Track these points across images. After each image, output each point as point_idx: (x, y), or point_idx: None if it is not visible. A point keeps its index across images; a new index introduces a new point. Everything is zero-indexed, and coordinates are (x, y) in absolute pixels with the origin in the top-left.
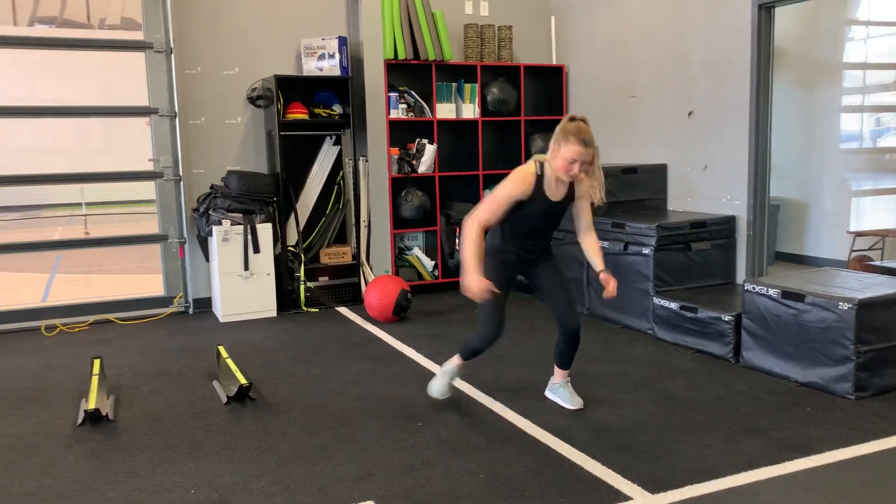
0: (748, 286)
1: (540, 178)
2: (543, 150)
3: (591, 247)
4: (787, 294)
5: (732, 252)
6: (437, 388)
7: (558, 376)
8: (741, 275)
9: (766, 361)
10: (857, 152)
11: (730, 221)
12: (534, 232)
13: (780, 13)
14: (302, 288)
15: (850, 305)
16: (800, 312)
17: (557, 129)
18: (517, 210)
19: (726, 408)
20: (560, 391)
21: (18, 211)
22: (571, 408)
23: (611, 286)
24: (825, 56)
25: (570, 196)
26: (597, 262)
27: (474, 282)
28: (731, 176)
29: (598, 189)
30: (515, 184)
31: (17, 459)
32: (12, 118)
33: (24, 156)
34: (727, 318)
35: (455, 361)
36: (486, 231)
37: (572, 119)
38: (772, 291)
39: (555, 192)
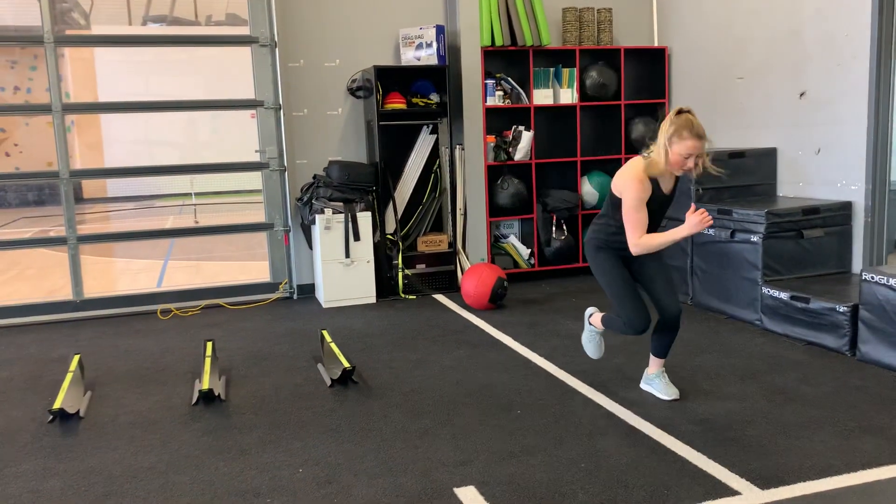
0: (866, 275)
1: (654, 177)
2: (644, 136)
3: None
4: None
5: (848, 240)
6: (590, 350)
7: (654, 366)
8: (857, 264)
9: (885, 355)
10: None
11: (845, 207)
12: (650, 223)
13: None
14: (400, 275)
15: None
16: None
17: (666, 125)
18: None
19: (841, 403)
20: (655, 381)
21: (134, 201)
22: (667, 398)
23: (698, 210)
24: None
25: (677, 184)
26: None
27: (688, 223)
28: (847, 159)
29: (699, 174)
30: (639, 188)
31: (139, 435)
32: (127, 113)
33: (138, 149)
34: (843, 308)
35: (595, 322)
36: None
37: (679, 112)
38: (893, 281)
39: (666, 186)
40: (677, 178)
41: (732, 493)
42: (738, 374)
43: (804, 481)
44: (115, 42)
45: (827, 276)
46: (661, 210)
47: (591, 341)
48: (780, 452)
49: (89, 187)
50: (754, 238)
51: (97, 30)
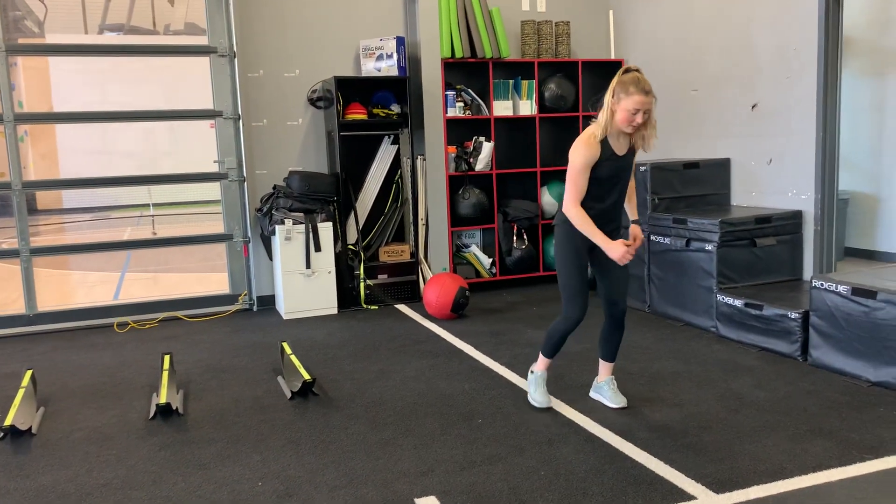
0: (816, 283)
1: (604, 140)
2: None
3: (630, 198)
4: (858, 291)
5: (799, 248)
6: (538, 399)
7: (603, 373)
8: (808, 271)
9: (835, 360)
10: None
11: (796, 216)
12: (607, 196)
13: (849, 1)
14: (362, 286)
15: None
16: (871, 310)
17: (614, 82)
18: (592, 176)
19: (794, 407)
20: (604, 389)
21: (90, 212)
22: (615, 406)
23: (637, 240)
24: None
25: (631, 148)
26: (632, 211)
27: (614, 245)
28: (797, 169)
29: (651, 137)
30: (585, 149)
31: (94, 451)
32: (83, 123)
33: (94, 159)
34: (794, 315)
35: (540, 366)
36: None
37: (627, 70)
38: (841, 288)
39: (619, 147)
40: (632, 147)
41: (688, 497)
42: (694, 381)
43: (757, 484)
44: (69, 51)
45: (779, 283)
46: (615, 177)
47: (536, 385)
48: (734, 456)
49: (43, 198)
50: (709, 247)
51: (51, 38)
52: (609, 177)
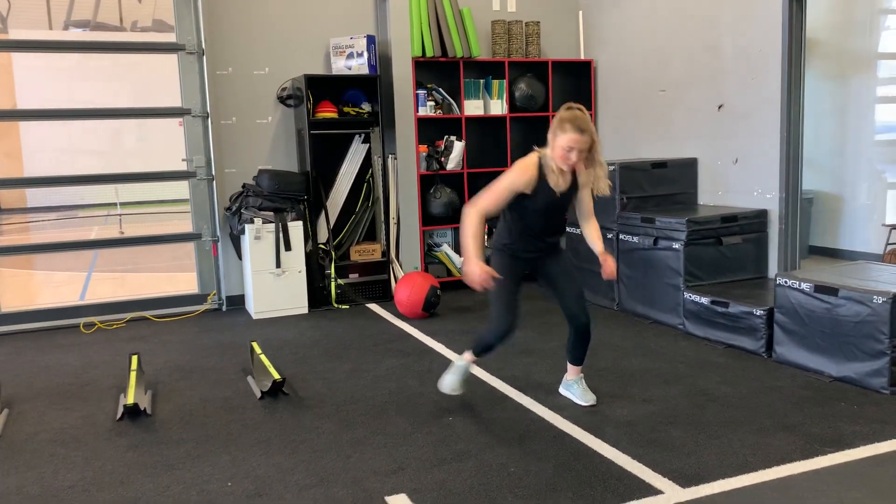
0: (780, 280)
1: (542, 170)
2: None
3: (593, 232)
4: (820, 288)
5: (764, 246)
6: (448, 384)
7: (572, 373)
8: (773, 269)
9: (798, 356)
10: (892, 144)
11: (761, 215)
12: (540, 226)
13: (812, 3)
14: (333, 285)
15: (885, 299)
16: (833, 306)
17: (554, 118)
18: (522, 203)
19: (758, 403)
20: (573, 387)
21: (55, 211)
22: (584, 404)
23: (609, 265)
24: (859, 46)
25: (574, 186)
26: (597, 245)
27: (475, 268)
28: (762, 169)
29: (601, 179)
30: (517, 175)
31: (60, 453)
32: (48, 121)
33: (60, 157)
34: (759, 312)
35: (467, 357)
36: (486, 219)
37: (569, 108)
38: (804, 285)
39: (558, 183)
40: (575, 182)
41: (655, 492)
42: (662, 377)
43: (723, 478)
44: (34, 47)
45: (745, 281)
46: (552, 210)
47: (454, 373)
48: (700, 452)
49: (7, 197)
50: (676, 245)
51: (15, 34)
52: (540, 209)
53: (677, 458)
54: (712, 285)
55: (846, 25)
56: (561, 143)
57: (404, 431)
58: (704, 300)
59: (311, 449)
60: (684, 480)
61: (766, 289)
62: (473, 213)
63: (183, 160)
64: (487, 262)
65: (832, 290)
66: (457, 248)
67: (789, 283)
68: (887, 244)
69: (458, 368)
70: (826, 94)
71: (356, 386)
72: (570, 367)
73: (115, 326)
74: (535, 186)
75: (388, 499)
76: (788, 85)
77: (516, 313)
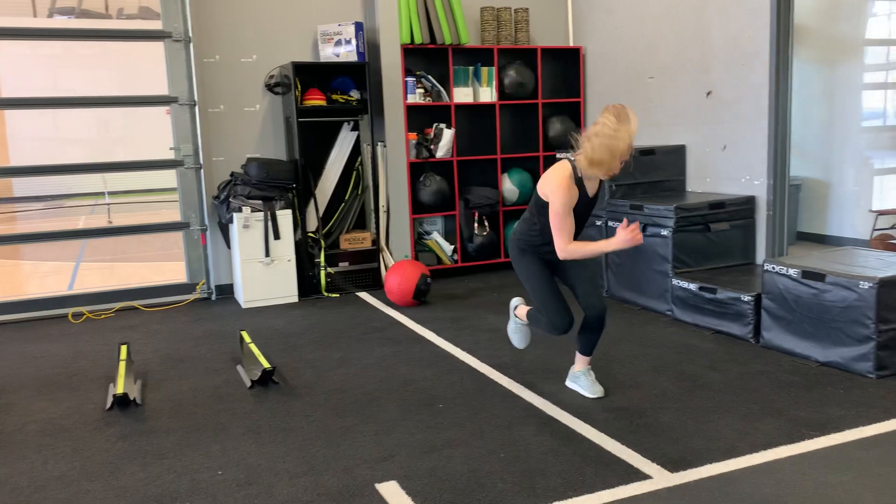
0: (768, 266)
1: (580, 180)
2: (562, 133)
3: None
4: (808, 273)
5: (752, 232)
6: (516, 342)
7: (579, 364)
8: (761, 255)
9: (786, 341)
10: (879, 130)
11: (749, 202)
12: (575, 230)
13: None
14: (322, 273)
15: (871, 284)
16: (820, 292)
17: (608, 131)
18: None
19: (746, 388)
20: (581, 379)
21: (43, 201)
22: (592, 396)
23: (626, 224)
24: (846, 33)
25: (601, 186)
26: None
27: (618, 239)
28: (750, 156)
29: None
30: (566, 193)
31: (49, 443)
32: (34, 109)
33: (46, 146)
34: (747, 298)
35: (522, 315)
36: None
37: (617, 114)
38: (792, 271)
39: (590, 189)
40: (601, 180)
41: (644, 477)
42: (650, 363)
43: (711, 463)
44: (18, 35)
45: (733, 267)
46: (585, 213)
47: (516, 332)
48: (688, 437)
49: None
50: (664, 232)
51: None
52: (579, 215)
53: (665, 443)
54: (700, 272)
55: (834, 11)
56: (623, 148)
57: (394, 419)
58: (692, 286)
59: (302, 437)
60: (672, 465)
61: (754, 275)
62: (571, 246)
63: (170, 149)
64: (515, 258)
65: (819, 276)
66: (447, 236)
67: (777, 268)
68: (874, 230)
69: (515, 325)
70: (813, 81)
71: (346, 374)
72: (577, 357)
73: (103, 316)
74: (578, 197)
75: (378, 486)
76: (776, 71)
77: (566, 306)
